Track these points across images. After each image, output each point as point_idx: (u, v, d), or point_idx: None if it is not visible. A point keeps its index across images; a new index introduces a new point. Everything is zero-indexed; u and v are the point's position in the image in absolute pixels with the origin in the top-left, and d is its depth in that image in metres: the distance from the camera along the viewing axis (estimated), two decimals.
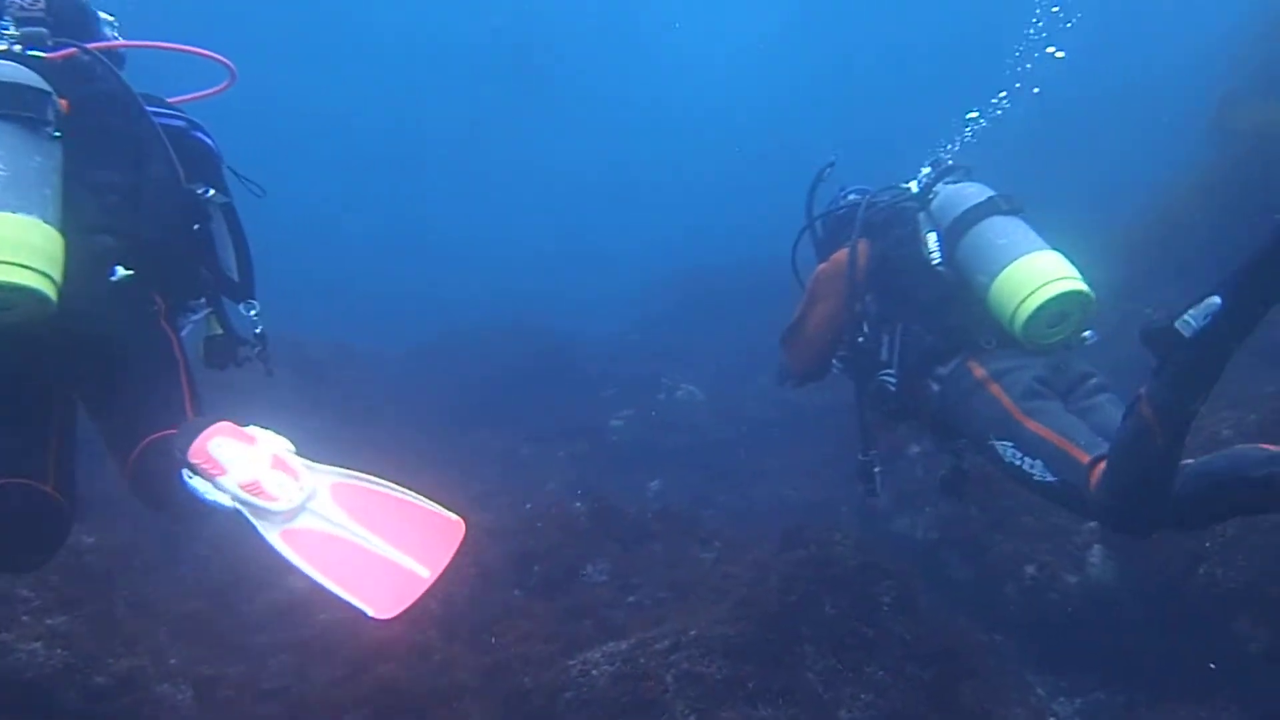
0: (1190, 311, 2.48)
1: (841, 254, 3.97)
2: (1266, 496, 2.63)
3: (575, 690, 3.97)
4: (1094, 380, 3.43)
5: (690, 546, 5.84)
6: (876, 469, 4.14)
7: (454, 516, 2.47)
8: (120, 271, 2.59)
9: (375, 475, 2.47)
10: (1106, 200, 12.13)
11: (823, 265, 4.13)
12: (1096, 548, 6.08)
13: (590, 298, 20.94)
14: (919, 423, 3.97)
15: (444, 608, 5.13)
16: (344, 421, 9.26)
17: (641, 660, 4.07)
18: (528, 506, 7.26)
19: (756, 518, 8.20)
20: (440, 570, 2.27)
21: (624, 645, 4.24)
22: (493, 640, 4.36)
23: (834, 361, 4.19)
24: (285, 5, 29.88)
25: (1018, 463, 3.15)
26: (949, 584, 6.38)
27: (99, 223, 2.62)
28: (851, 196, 4.32)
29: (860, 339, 3.88)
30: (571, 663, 4.18)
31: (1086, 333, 3.49)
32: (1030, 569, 6.11)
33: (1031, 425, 3.13)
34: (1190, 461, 2.76)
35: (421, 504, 2.52)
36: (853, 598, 4.51)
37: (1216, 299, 2.42)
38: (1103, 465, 2.84)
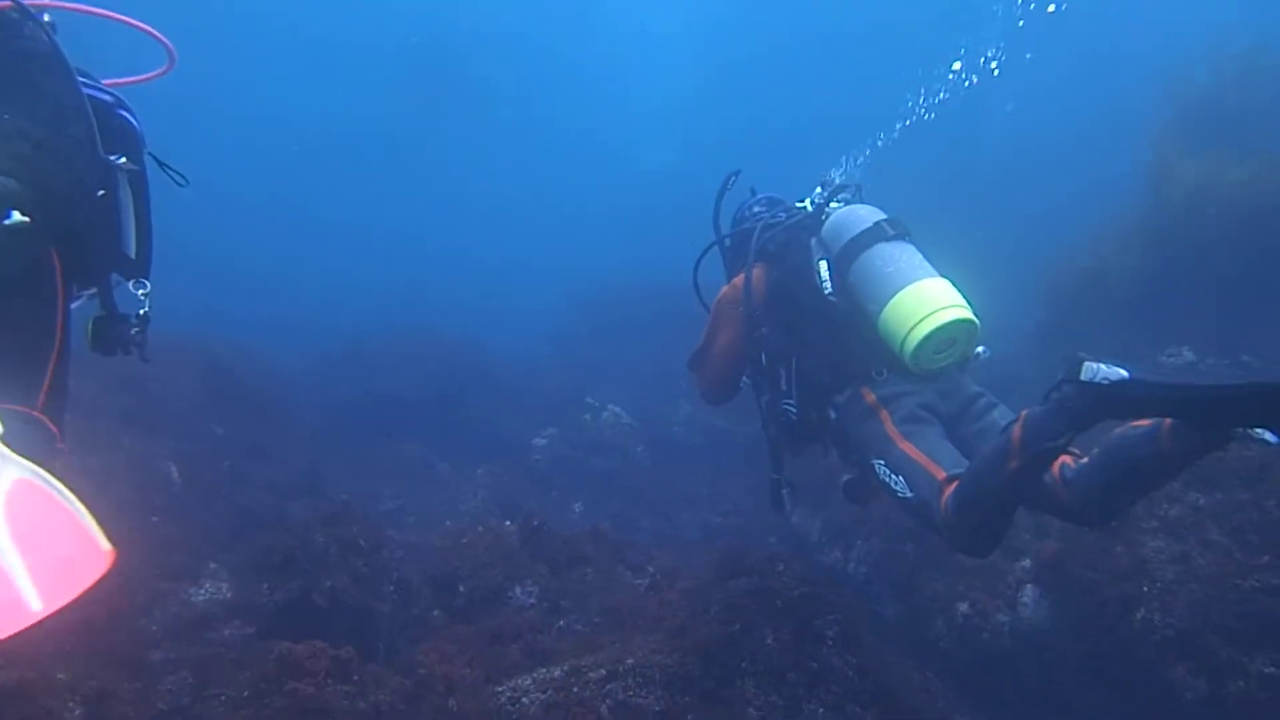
0: (1105, 364, 2.59)
1: (739, 280, 4.05)
2: (1161, 472, 2.76)
3: (505, 718, 3.74)
4: (983, 400, 3.55)
5: (622, 571, 5.65)
6: (784, 490, 4.19)
7: (106, 547, 2.16)
8: (16, 216, 2.36)
9: (65, 484, 2.15)
10: (1043, 236, 12.49)
11: (723, 291, 4.20)
12: (1029, 587, 6.10)
13: (507, 311, 20.58)
14: (823, 444, 4.05)
15: (359, 622, 4.85)
16: (247, 426, 8.85)
17: (575, 689, 3.87)
18: (447, 524, 6.99)
19: (684, 545, 8.06)
20: (53, 609, 1.98)
21: (557, 673, 4.04)
22: (418, 664, 4.07)
23: (744, 379, 4.28)
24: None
25: (887, 480, 3.30)
26: (879, 620, 6.34)
27: (3, 165, 2.45)
28: (756, 209, 4.37)
29: (759, 374, 4.00)
30: (500, 689, 3.96)
31: (980, 349, 3.58)
32: (963, 607, 6.11)
33: (903, 445, 3.28)
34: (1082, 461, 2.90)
35: (86, 526, 2.21)
36: (795, 630, 4.38)
37: (1126, 374, 2.54)
38: (956, 483, 2.99)
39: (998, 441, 2.84)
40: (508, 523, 5.77)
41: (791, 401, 3.82)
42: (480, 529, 5.73)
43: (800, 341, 3.81)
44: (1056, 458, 2.79)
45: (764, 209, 4.35)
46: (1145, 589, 4.91)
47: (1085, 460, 2.93)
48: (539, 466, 9.94)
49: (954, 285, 3.49)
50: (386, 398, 11.40)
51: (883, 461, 3.33)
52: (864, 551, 6.77)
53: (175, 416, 7.99)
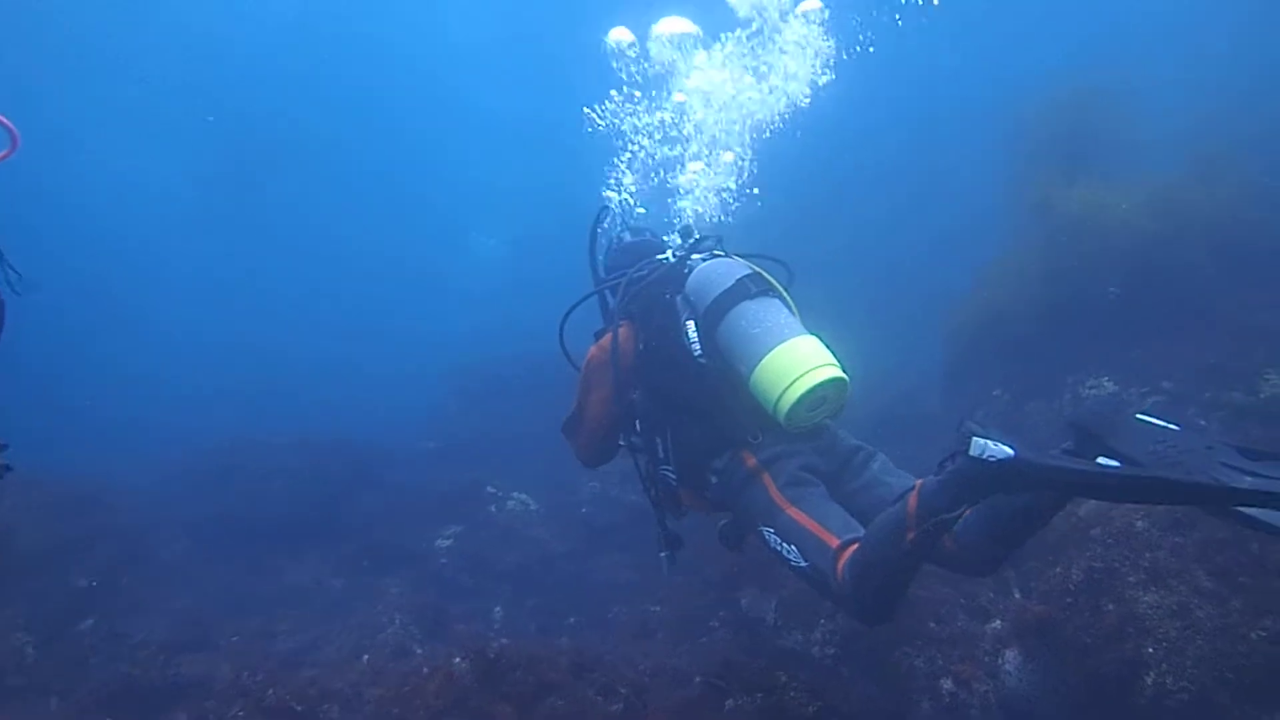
0: (993, 440, 2.60)
1: (607, 340, 4.01)
2: (1046, 514, 2.91)
3: None
4: (861, 454, 3.66)
5: (592, 697, 5.13)
6: (663, 554, 4.25)
7: None
8: None
9: None
10: (932, 274, 12.76)
11: (591, 352, 4.15)
12: (1009, 652, 5.95)
13: (374, 400, 19.51)
14: (704, 507, 4.00)
15: None
16: (109, 572, 7.83)
17: None
18: (365, 660, 6.28)
19: (626, 641, 7.58)
20: None
21: None
22: None
23: (636, 463, 4.22)
24: None
25: (778, 548, 3.30)
26: (854, 704, 6.02)
27: None
28: (619, 255, 4.39)
29: (635, 436, 4.00)
30: None
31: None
32: (947, 684, 5.89)
33: (791, 511, 3.31)
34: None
35: None
36: None
37: (1011, 452, 2.55)
38: (851, 550, 3.03)
39: (894, 513, 2.88)
40: (457, 660, 5.14)
41: (670, 468, 3.82)
42: (425, 670, 5.09)
43: (674, 408, 3.79)
44: (952, 527, 2.81)
45: (627, 255, 4.37)
46: (1150, 650, 4.78)
47: (969, 512, 2.92)
48: (446, 572, 9.23)
49: (822, 342, 3.52)
50: (258, 515, 10.39)
51: (771, 530, 3.34)
52: (828, 631, 6.46)
53: (22, 572, 6.96)
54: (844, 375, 3.44)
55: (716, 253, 4.09)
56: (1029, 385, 8.98)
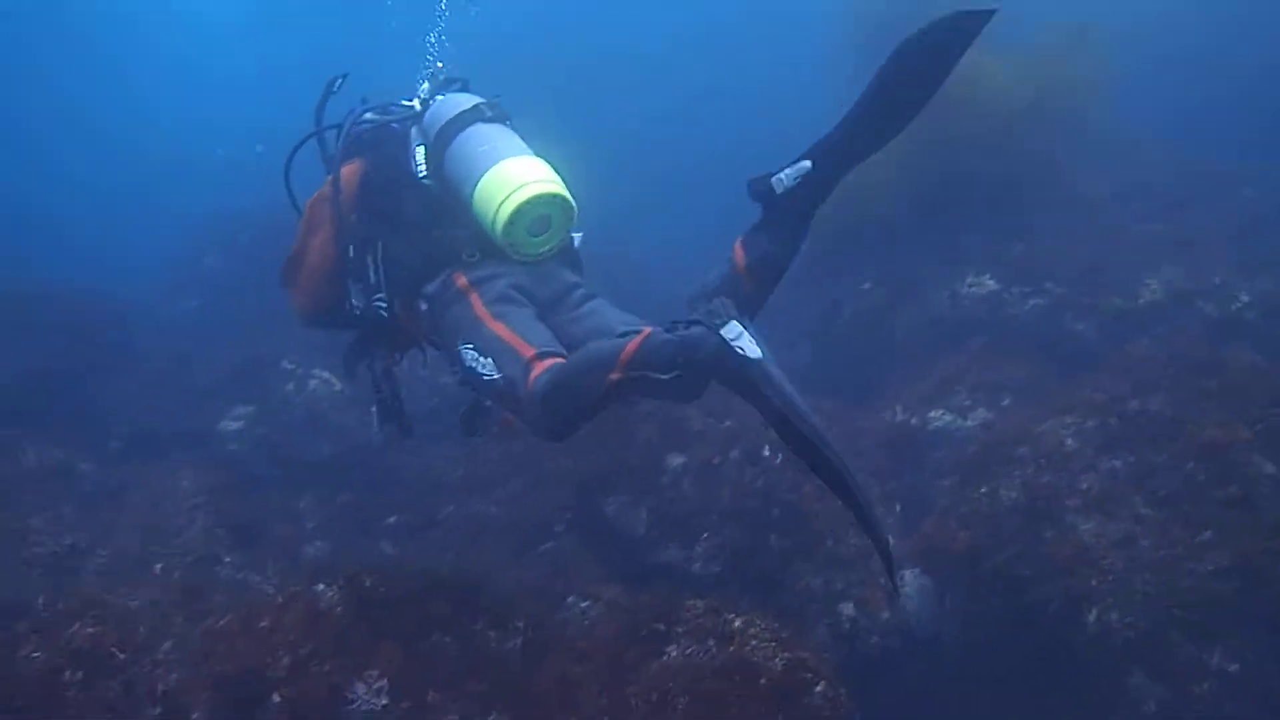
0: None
1: (330, 181, 3.93)
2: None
3: None
4: (580, 290, 3.63)
5: (484, 629, 4.42)
6: (374, 407, 4.09)
7: None
8: None
9: None
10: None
11: (316, 193, 4.00)
12: (907, 573, 5.79)
13: (124, 255, 16.97)
14: (419, 348, 4.06)
15: None
16: None
17: None
18: (175, 577, 5.25)
19: (465, 546, 6.91)
20: None
21: None
22: None
23: (355, 306, 3.94)
24: None
25: (474, 364, 3.24)
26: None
27: None
28: (368, 115, 4.16)
29: (348, 263, 3.84)
30: None
31: (576, 236, 3.69)
32: (847, 608, 5.64)
33: (494, 325, 3.28)
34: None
35: None
36: None
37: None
38: (549, 362, 3.04)
39: (609, 346, 2.86)
40: (320, 586, 4.24)
41: (382, 296, 3.72)
42: (280, 600, 4.17)
43: (390, 226, 3.74)
44: (657, 393, 2.83)
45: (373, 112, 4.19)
46: (1094, 583, 4.68)
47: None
48: (238, 460, 8.05)
49: (550, 165, 3.53)
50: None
51: (471, 345, 3.28)
52: (713, 546, 6.03)
53: None
54: (565, 193, 3.42)
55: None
56: (904, 280, 8.82)
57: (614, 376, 2.74)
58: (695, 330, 2.61)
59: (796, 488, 6.00)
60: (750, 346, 2.50)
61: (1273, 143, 11.19)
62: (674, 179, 19.77)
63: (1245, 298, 7.50)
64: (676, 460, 6.45)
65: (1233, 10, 14.61)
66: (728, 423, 6.51)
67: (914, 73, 2.78)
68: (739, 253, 3.11)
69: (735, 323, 2.55)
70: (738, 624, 4.00)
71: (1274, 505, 4.70)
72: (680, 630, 4.08)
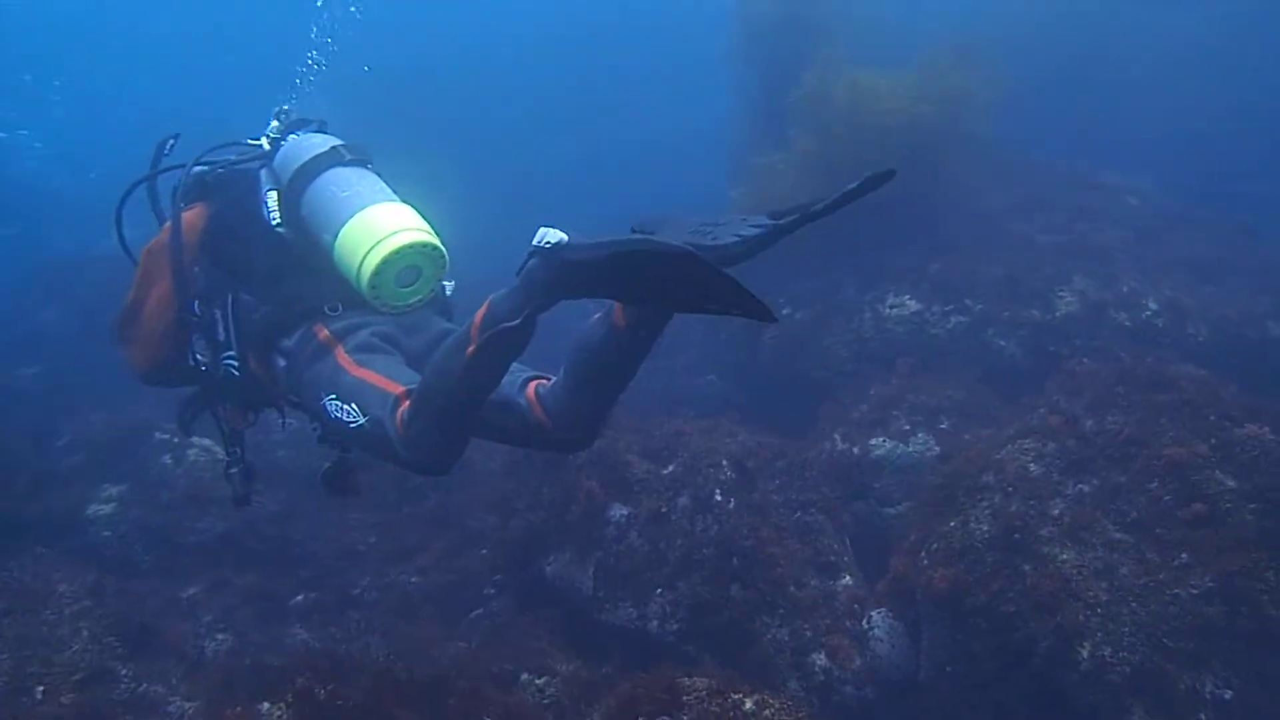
0: (554, 230, 2.50)
1: (169, 227, 3.65)
2: (624, 355, 2.75)
3: None
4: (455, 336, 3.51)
5: None
6: (233, 470, 3.82)
7: None
8: None
9: None
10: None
11: (152, 241, 3.72)
12: (875, 614, 5.61)
13: None
14: (277, 409, 3.82)
15: None
16: None
17: None
18: (64, 701, 4.60)
19: (390, 624, 6.40)
20: None
21: None
22: None
23: (198, 359, 3.73)
24: None
25: (338, 414, 3.04)
26: None
27: None
28: (210, 155, 3.93)
29: (193, 319, 3.63)
30: None
31: (448, 284, 3.50)
32: (818, 658, 5.41)
33: (357, 372, 3.11)
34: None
35: None
36: None
37: (565, 237, 2.46)
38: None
39: (457, 334, 2.76)
40: (265, 705, 3.70)
41: (232, 354, 3.52)
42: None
43: (240, 279, 3.54)
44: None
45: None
46: (1082, 617, 4.56)
47: (556, 377, 2.94)
48: (112, 547, 7.23)
49: (417, 211, 3.29)
50: None
51: (333, 395, 3.07)
52: (668, 602, 5.72)
53: None
54: (437, 242, 3.16)
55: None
56: (824, 304, 8.71)
57: (470, 349, 2.59)
58: (527, 264, 2.55)
59: (754, 532, 5.76)
60: (554, 234, 2.45)
61: (1153, 155, 11.75)
62: (543, 185, 19.48)
63: (1153, 305, 7.72)
64: (620, 511, 6.10)
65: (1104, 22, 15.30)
66: (670, 468, 6.21)
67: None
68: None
69: (542, 228, 2.48)
70: (749, 705, 3.65)
71: (1241, 520, 4.71)
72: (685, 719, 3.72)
